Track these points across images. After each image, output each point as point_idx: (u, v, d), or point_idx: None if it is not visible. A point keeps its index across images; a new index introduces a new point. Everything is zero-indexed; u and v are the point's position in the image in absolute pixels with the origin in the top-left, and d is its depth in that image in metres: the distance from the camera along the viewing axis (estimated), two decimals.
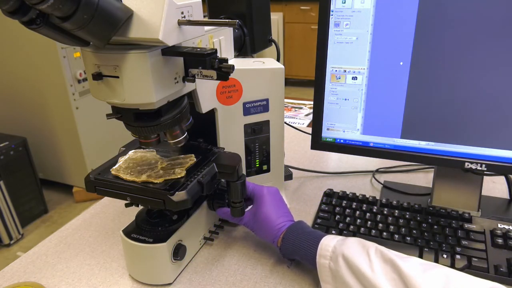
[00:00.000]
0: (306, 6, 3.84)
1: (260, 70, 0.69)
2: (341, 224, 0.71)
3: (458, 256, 0.62)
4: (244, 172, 0.75)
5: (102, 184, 0.60)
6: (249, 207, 0.68)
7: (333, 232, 0.69)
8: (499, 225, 0.68)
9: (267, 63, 0.71)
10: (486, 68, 0.63)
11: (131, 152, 0.67)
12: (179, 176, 0.59)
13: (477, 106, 0.65)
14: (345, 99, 0.74)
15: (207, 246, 0.71)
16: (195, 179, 0.59)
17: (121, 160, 0.65)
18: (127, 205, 0.64)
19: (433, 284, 0.45)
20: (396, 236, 0.67)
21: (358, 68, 0.71)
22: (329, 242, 0.57)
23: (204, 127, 0.69)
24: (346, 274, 0.53)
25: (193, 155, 0.65)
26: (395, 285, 0.47)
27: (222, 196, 0.67)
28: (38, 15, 0.40)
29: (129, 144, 0.72)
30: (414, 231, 0.68)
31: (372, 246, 0.54)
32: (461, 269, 0.60)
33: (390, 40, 0.67)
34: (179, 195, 0.55)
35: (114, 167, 0.62)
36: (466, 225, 0.68)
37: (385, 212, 0.72)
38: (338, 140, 0.77)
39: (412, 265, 0.48)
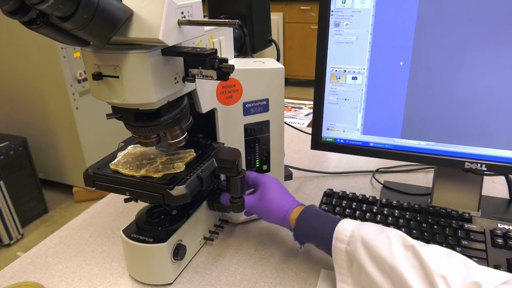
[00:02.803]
0: (306, 6, 3.83)
1: (260, 70, 0.69)
2: None
3: None
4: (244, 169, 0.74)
5: (101, 178, 0.60)
6: (250, 190, 0.68)
7: None
8: (499, 225, 0.68)
9: (267, 63, 0.71)
10: (486, 68, 0.63)
11: (130, 147, 0.67)
12: (178, 171, 0.59)
13: (477, 106, 0.65)
14: (345, 99, 0.74)
15: (207, 246, 0.71)
16: (194, 173, 0.59)
17: (120, 155, 0.65)
18: (126, 200, 0.64)
19: (454, 273, 0.45)
20: None
21: (358, 68, 0.71)
22: (347, 226, 0.56)
23: (204, 125, 0.69)
24: (364, 259, 0.52)
25: (192, 150, 0.65)
26: (416, 272, 0.47)
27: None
28: (38, 15, 0.40)
29: (128, 140, 0.72)
30: (414, 231, 0.68)
31: (392, 231, 0.53)
32: None
33: (390, 40, 0.67)
34: (178, 190, 0.55)
35: (113, 162, 0.62)
36: (466, 225, 0.68)
37: (385, 212, 0.72)
38: (338, 140, 0.77)
39: (432, 252, 0.48)
